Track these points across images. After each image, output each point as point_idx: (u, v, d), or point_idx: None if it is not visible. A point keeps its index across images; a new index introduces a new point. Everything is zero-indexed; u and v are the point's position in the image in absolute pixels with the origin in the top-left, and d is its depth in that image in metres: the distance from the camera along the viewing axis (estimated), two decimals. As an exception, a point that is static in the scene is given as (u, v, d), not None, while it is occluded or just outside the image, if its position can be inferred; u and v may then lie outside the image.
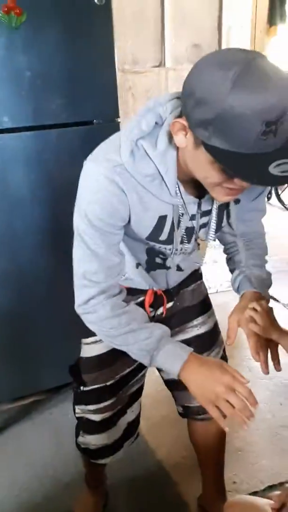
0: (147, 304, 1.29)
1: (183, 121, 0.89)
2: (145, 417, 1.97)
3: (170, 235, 1.10)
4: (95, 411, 1.36)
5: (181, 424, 1.54)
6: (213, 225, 1.13)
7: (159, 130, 0.98)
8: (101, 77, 1.82)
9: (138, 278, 1.24)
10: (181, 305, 1.37)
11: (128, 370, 1.35)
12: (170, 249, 1.14)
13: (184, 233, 1.12)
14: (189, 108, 0.85)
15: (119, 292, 1.13)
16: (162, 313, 1.33)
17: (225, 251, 1.39)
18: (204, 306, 1.42)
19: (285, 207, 4.83)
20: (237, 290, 1.28)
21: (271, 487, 1.72)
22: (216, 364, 1.07)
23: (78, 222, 1.05)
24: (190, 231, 1.13)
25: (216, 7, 2.96)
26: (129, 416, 1.42)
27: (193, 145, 0.90)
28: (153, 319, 1.32)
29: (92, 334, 1.31)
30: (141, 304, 1.28)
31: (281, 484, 1.73)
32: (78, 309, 1.14)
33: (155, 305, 1.32)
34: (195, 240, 1.16)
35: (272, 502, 1.07)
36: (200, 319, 1.39)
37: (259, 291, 1.22)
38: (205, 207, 1.10)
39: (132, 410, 1.42)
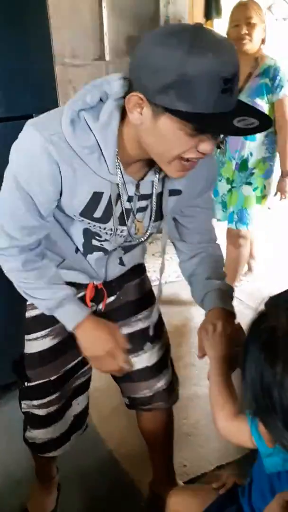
0: (88, 299, 1.30)
1: (138, 94, 0.89)
2: (96, 409, 1.98)
3: (106, 213, 1.09)
4: (39, 406, 1.37)
5: (131, 414, 1.57)
6: (153, 209, 1.14)
7: (102, 105, 0.98)
8: (39, 70, 1.80)
9: (77, 266, 1.24)
10: (124, 299, 1.38)
11: (72, 364, 1.36)
12: (106, 229, 1.13)
13: (119, 215, 1.11)
14: (145, 79, 0.86)
15: (35, 247, 1.15)
16: (105, 306, 1.35)
17: (182, 268, 1.36)
18: (148, 299, 1.43)
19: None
20: (201, 303, 1.25)
21: (219, 468, 1.78)
22: (107, 331, 1.19)
23: (6, 179, 1.06)
24: (126, 213, 1.12)
25: (152, 1, 2.99)
26: (75, 408, 1.44)
27: (151, 118, 0.90)
28: (95, 313, 1.32)
29: (34, 330, 1.32)
30: (82, 299, 1.28)
31: (228, 464, 1.80)
32: None
33: (96, 299, 1.32)
34: (132, 222, 1.15)
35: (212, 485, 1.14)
36: (144, 313, 1.40)
37: (227, 308, 1.20)
38: (143, 190, 1.10)
39: (78, 403, 1.44)
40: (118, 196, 1.07)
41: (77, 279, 1.28)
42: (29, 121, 1.03)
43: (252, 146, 2.48)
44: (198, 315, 1.32)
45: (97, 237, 1.17)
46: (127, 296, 1.39)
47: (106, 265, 1.26)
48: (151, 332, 1.37)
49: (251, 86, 2.42)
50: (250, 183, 2.54)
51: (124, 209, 1.11)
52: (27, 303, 1.32)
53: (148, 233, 1.18)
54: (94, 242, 1.18)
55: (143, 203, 1.13)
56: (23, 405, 1.42)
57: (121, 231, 1.15)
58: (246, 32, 2.36)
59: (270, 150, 2.52)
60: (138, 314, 1.40)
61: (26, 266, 1.14)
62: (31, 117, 1.81)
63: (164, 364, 1.46)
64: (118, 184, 1.05)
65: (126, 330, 1.38)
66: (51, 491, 1.66)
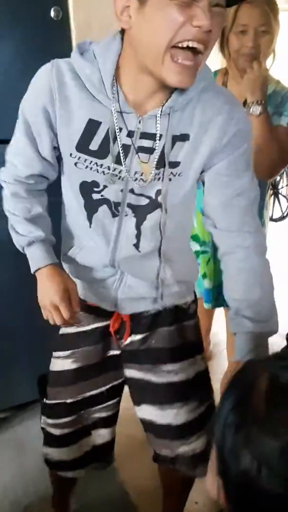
0: (112, 329, 1.25)
1: None
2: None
3: (103, 147, 1.02)
4: (54, 425, 1.34)
5: (147, 445, 1.51)
6: (156, 151, 1.02)
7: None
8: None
9: (92, 242, 1.15)
10: (156, 344, 1.26)
11: (92, 392, 1.31)
12: (103, 166, 1.04)
13: (121, 151, 1.02)
14: None
15: (30, 183, 1.16)
16: (130, 343, 1.26)
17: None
18: (189, 350, 1.28)
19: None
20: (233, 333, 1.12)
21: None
22: (60, 284, 1.12)
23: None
24: (125, 150, 1.03)
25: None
26: (95, 439, 1.38)
27: (138, 8, 0.88)
28: (124, 350, 1.28)
29: (60, 348, 1.31)
30: (106, 330, 1.25)
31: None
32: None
33: (120, 333, 1.26)
34: (131, 161, 1.04)
35: None
36: (177, 365, 1.25)
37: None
38: (147, 127, 1.02)
39: (98, 434, 1.37)
40: (119, 130, 1.01)
41: (100, 301, 1.22)
42: None
43: None
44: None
45: (95, 188, 1.08)
46: (160, 342, 1.25)
47: (117, 235, 1.12)
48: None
49: None
50: None
51: (123, 145, 1.02)
52: None
53: (150, 178, 1.04)
54: (95, 196, 1.09)
55: (145, 143, 1.02)
56: (41, 420, 1.39)
57: (119, 171, 1.04)
58: (254, 44, 1.63)
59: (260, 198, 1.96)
60: (169, 364, 1.25)
61: (16, 197, 1.16)
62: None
63: (195, 428, 1.28)
64: (118, 115, 1.00)
65: (153, 377, 1.26)
66: None
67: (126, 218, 1.09)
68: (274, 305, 1.11)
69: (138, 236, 1.11)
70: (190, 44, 0.87)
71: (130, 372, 1.30)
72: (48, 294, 1.12)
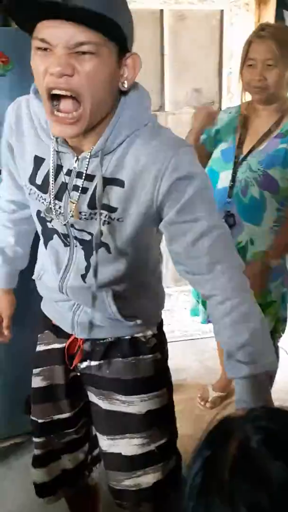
0: (66, 352, 1.29)
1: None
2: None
3: (45, 182, 1.09)
4: (34, 443, 1.39)
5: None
6: (87, 192, 1.05)
7: None
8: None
9: (48, 266, 1.22)
10: (110, 374, 1.26)
11: (61, 416, 1.33)
12: (46, 201, 1.10)
13: (58, 188, 1.08)
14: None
15: (16, 209, 1.32)
16: (87, 367, 1.28)
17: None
18: (140, 386, 1.26)
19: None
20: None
21: None
22: None
23: None
24: (62, 187, 1.07)
25: (216, 54, 3.01)
26: (65, 463, 1.38)
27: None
28: (82, 373, 1.30)
29: (35, 365, 1.37)
30: (63, 351, 1.29)
31: None
32: None
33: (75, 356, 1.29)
34: (67, 199, 1.07)
35: None
36: (131, 398, 1.24)
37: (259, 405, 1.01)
38: (83, 168, 1.03)
39: (69, 459, 1.37)
40: (60, 168, 1.06)
41: (60, 322, 1.28)
42: None
43: (255, 232, 1.78)
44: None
45: (47, 218, 1.14)
46: (114, 373, 1.26)
47: (68, 264, 1.16)
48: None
49: (266, 149, 1.77)
50: None
51: (62, 183, 1.07)
52: (38, 335, 1.38)
53: (81, 216, 1.06)
54: (48, 225, 1.15)
55: (80, 182, 1.04)
56: None
57: (59, 207, 1.08)
58: (261, 78, 1.72)
59: None
60: (122, 396, 1.25)
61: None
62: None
63: (141, 464, 1.26)
64: (57, 154, 1.05)
65: (107, 405, 1.27)
66: None
67: (76, 249, 1.13)
68: (268, 342, 1.06)
69: (87, 268, 1.13)
70: (54, 91, 0.90)
71: (89, 395, 1.32)
72: None
